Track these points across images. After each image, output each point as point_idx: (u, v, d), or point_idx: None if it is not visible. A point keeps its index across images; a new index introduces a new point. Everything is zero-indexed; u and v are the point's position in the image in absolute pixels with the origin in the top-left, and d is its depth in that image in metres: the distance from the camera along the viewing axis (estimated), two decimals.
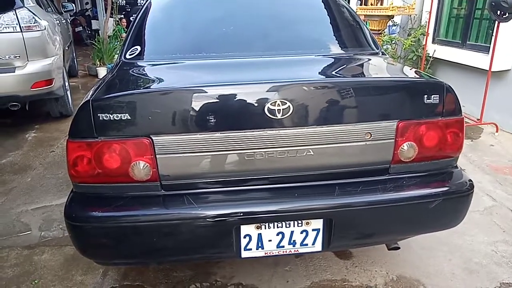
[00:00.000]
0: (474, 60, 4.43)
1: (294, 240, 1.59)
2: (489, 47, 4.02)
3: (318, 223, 1.57)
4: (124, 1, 13.66)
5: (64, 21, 6.39)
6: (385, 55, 2.17)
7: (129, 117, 1.45)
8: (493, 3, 3.52)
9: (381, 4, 6.35)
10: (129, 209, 1.51)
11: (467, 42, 4.65)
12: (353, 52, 2.12)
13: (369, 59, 2.01)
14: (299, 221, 1.55)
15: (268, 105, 1.47)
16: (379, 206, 1.54)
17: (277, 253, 1.61)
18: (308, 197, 1.54)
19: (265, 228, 1.55)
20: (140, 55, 2.00)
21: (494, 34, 3.75)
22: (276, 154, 1.52)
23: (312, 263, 2.20)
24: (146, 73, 1.88)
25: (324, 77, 1.78)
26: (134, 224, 1.49)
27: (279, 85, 1.48)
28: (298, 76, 1.66)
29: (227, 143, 1.49)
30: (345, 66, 1.94)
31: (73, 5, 7.84)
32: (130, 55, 2.01)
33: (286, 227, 1.56)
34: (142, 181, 1.52)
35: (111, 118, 1.45)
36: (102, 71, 7.21)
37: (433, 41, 5.33)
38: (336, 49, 2.13)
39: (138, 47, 2.04)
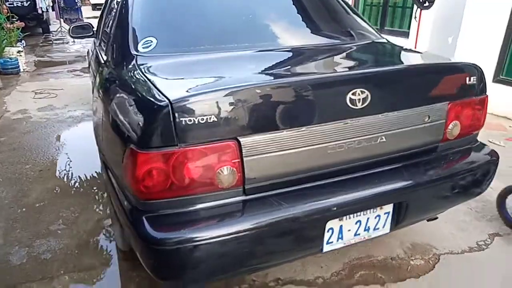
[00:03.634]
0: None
1: (369, 226, 1.62)
2: (408, 32, 4.53)
3: (389, 206, 1.62)
4: None
5: None
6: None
7: (215, 119, 1.28)
8: None
9: None
10: (219, 222, 1.35)
11: (385, 28, 5.16)
12: (377, 40, 2.22)
13: (397, 46, 2.12)
14: (375, 207, 1.58)
15: (349, 95, 1.45)
16: (441, 181, 1.66)
17: (353, 242, 1.62)
18: (384, 183, 1.57)
19: (346, 219, 1.55)
20: (159, 48, 1.76)
21: (418, 20, 4.23)
22: (355, 144, 1.52)
23: None
24: (195, 68, 1.67)
25: (395, 65, 1.81)
26: (227, 237, 1.33)
27: (360, 75, 1.47)
28: (360, 64, 1.67)
29: (312, 138, 1.44)
30: (392, 53, 2.02)
31: None
32: (145, 47, 1.76)
33: (363, 214, 1.58)
34: (225, 188, 1.38)
35: (195, 122, 1.26)
36: None
37: None
38: (362, 37, 2.19)
39: (152, 39, 1.79)
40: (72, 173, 3.20)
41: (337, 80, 1.47)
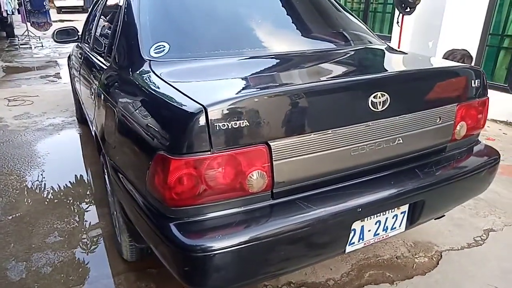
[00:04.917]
0: None
1: (387, 226, 1.66)
2: (390, 36, 4.67)
3: (406, 206, 1.67)
4: None
5: None
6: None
7: (247, 123, 1.28)
8: None
9: None
10: (250, 227, 1.34)
11: None
12: (379, 44, 2.28)
13: (402, 51, 2.19)
14: (395, 207, 1.62)
15: (371, 98, 1.48)
16: (454, 179, 1.72)
17: (372, 242, 1.65)
18: (402, 183, 1.61)
19: (367, 219, 1.58)
20: (173, 53, 1.73)
21: (400, 25, 4.37)
22: (375, 146, 1.55)
23: None
24: (215, 73, 1.65)
25: (409, 68, 1.86)
26: (259, 241, 1.33)
27: (380, 78, 1.51)
28: (378, 68, 1.71)
29: (337, 140, 1.46)
30: (398, 57, 2.09)
31: None
32: (157, 53, 1.73)
33: (383, 215, 1.61)
34: (255, 192, 1.37)
35: (229, 126, 1.26)
36: None
37: None
38: (364, 41, 2.24)
39: (165, 44, 1.76)
40: (61, 183, 3.08)
41: (361, 84, 1.50)
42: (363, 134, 1.51)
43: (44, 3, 9.78)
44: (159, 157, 1.29)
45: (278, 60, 1.80)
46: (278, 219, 1.39)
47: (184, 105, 1.27)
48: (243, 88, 1.48)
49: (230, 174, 1.31)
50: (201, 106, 1.23)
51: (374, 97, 1.48)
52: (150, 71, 1.64)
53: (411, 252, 2.32)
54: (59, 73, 7.08)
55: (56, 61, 8.19)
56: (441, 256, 2.29)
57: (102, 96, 1.95)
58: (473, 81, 1.78)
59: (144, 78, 1.62)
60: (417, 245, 2.37)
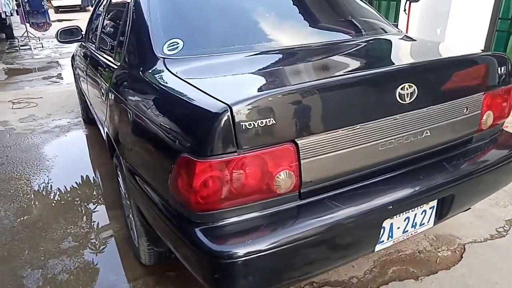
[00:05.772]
0: None
1: (416, 222, 1.60)
2: (396, 25, 4.58)
3: (434, 201, 1.61)
4: None
5: None
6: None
7: (274, 121, 1.22)
8: None
9: None
10: (278, 230, 1.28)
11: None
12: (401, 33, 2.22)
13: (421, 39, 2.13)
14: (425, 202, 1.56)
15: (398, 90, 1.42)
16: (483, 171, 1.66)
17: (401, 239, 1.60)
18: (432, 177, 1.55)
19: (397, 216, 1.52)
20: (187, 50, 1.67)
21: (407, 13, 4.29)
22: (403, 140, 1.49)
23: None
24: (234, 70, 1.59)
25: (435, 56, 1.79)
26: (288, 245, 1.26)
27: (408, 69, 1.45)
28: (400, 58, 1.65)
29: (366, 135, 1.40)
30: (419, 45, 2.04)
31: None
32: (171, 50, 1.66)
33: (411, 211, 1.56)
34: (283, 193, 1.32)
35: (256, 125, 1.20)
36: None
37: None
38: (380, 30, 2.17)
39: (178, 40, 1.69)
40: (71, 185, 3.03)
41: (389, 75, 1.44)
42: (391, 128, 1.45)
43: (43, 3, 9.68)
44: (183, 160, 1.23)
45: (297, 53, 1.73)
46: (308, 220, 1.33)
47: (207, 105, 1.21)
48: (267, 84, 1.42)
49: (257, 175, 1.25)
50: (226, 105, 1.17)
51: (401, 89, 1.42)
52: (165, 69, 1.58)
53: (434, 246, 2.26)
54: (61, 73, 7.01)
55: (57, 61, 8.11)
56: (465, 249, 2.24)
57: (114, 97, 1.89)
58: (498, 69, 1.72)
59: (160, 77, 1.56)
60: (438, 239, 2.32)
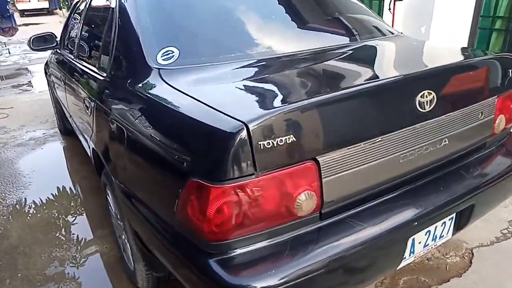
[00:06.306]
0: None
1: (436, 235, 1.52)
2: None
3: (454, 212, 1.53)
4: None
5: None
6: None
7: (293, 138, 1.10)
8: None
9: None
10: (300, 256, 1.16)
11: None
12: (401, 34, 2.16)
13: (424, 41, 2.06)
14: (448, 215, 1.48)
15: (418, 98, 1.33)
16: (499, 178, 1.59)
17: (422, 254, 1.51)
18: (451, 188, 1.47)
19: (418, 232, 1.43)
20: (183, 59, 1.52)
21: (392, 12, 4.25)
22: (423, 150, 1.40)
23: None
24: (240, 81, 1.45)
25: (456, 60, 1.70)
26: (313, 274, 1.15)
27: (427, 74, 1.36)
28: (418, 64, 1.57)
29: (387, 147, 1.30)
30: (429, 48, 1.98)
31: None
32: (165, 59, 1.52)
33: (432, 224, 1.47)
34: (303, 216, 1.20)
35: (274, 144, 1.07)
36: None
37: None
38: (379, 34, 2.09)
39: (173, 49, 1.55)
40: (52, 203, 2.82)
41: (408, 82, 1.34)
42: (412, 138, 1.35)
43: (8, 7, 9.22)
44: (194, 185, 1.09)
45: (305, 60, 1.61)
46: (331, 243, 1.21)
47: (220, 123, 1.08)
48: (281, 97, 1.29)
49: (276, 198, 1.13)
50: (241, 123, 1.04)
51: (421, 96, 1.33)
52: (162, 81, 1.43)
53: (441, 252, 2.20)
54: (31, 81, 6.67)
55: (26, 68, 7.73)
56: (473, 253, 2.18)
57: (104, 111, 1.72)
58: (510, 71, 1.65)
59: (158, 91, 1.40)
60: (445, 244, 2.25)
